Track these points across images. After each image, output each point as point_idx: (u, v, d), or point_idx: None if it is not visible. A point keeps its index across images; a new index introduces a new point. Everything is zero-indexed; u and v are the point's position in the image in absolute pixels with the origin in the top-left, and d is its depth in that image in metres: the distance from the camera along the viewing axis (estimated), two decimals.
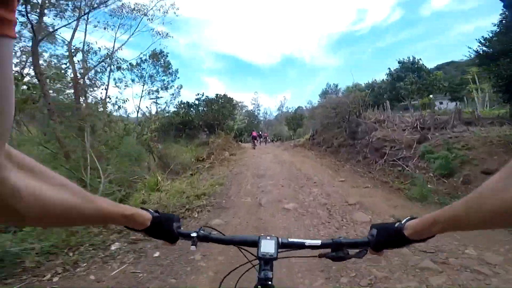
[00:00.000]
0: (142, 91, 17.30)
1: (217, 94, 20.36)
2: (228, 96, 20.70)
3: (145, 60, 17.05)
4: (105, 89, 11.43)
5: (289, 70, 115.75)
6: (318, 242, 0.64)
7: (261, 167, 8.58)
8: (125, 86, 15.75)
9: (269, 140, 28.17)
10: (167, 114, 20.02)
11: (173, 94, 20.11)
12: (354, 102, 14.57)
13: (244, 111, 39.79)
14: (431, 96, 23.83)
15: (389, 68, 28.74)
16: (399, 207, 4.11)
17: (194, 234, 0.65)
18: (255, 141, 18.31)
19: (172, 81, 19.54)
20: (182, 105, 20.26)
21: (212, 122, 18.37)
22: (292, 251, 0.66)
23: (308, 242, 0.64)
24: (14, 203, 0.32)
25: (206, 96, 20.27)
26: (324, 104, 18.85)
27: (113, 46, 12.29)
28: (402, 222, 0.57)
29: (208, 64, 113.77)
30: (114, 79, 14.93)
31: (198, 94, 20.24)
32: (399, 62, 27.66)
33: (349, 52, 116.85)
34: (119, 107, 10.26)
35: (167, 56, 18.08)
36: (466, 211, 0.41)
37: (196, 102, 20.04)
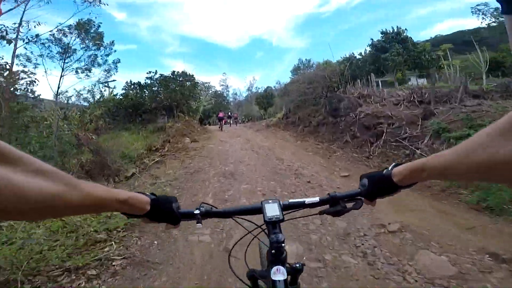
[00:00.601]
0: (63, 69, 13.39)
1: (173, 71, 16.88)
2: (188, 73, 17.41)
3: (67, 32, 13.04)
4: (6, 69, 8.21)
5: (257, 51, 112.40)
6: (316, 199, 0.65)
7: (230, 158, 6.47)
8: (34, 65, 11.92)
9: (239, 121, 26.01)
10: (116, 97, 16.41)
11: (107, 70, 16.41)
12: (332, 76, 13.09)
13: (211, 91, 36.56)
14: (400, 73, 23.43)
15: (372, 39, 25.76)
16: (480, 231, 2.43)
17: (197, 211, 0.63)
18: (222, 122, 16.32)
19: (107, 55, 15.81)
20: (132, 86, 16.56)
21: (169, 104, 15.24)
22: (294, 211, 0.67)
23: (307, 200, 0.65)
24: None
25: (161, 74, 16.66)
26: (298, 80, 17.04)
27: (20, 19, 9.88)
28: (389, 169, 0.57)
29: (173, 48, 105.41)
30: (18, 56, 11.08)
31: (149, 72, 16.52)
32: (382, 33, 24.68)
33: (315, 34, 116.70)
34: (27, 90, 8.26)
35: (99, 26, 14.19)
36: (455, 161, 0.41)
37: (148, 81, 16.43)
